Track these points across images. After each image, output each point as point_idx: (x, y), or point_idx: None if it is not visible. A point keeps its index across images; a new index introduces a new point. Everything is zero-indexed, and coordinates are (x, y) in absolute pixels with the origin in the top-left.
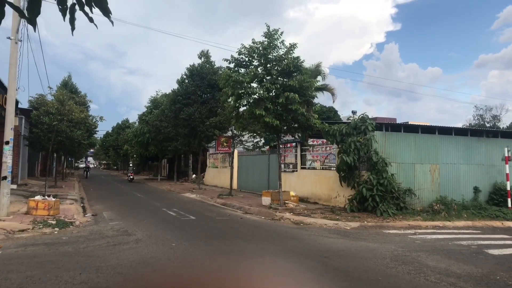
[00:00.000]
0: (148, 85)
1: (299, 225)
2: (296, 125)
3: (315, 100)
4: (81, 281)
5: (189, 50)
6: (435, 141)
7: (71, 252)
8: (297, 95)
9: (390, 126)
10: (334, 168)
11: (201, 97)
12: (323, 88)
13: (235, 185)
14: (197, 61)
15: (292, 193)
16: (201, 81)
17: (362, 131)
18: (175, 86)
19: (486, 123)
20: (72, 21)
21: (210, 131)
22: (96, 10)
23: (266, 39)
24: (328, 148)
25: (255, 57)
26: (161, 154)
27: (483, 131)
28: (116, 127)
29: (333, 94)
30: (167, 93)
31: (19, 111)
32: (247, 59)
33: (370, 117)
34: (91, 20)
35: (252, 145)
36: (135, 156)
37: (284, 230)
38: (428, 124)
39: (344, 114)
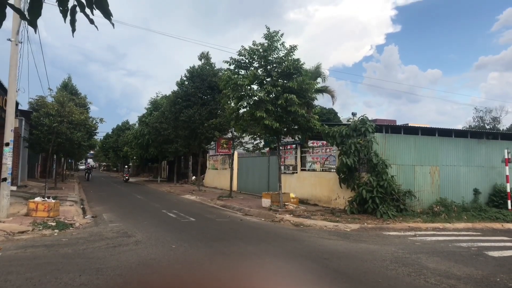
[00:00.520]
0: (148, 87)
1: (299, 227)
2: (296, 127)
3: (315, 102)
4: (81, 283)
5: (189, 51)
6: (435, 143)
7: (71, 253)
8: (295, 97)
9: (390, 128)
10: (334, 170)
11: (201, 99)
12: (323, 90)
13: (235, 187)
14: (197, 63)
15: (292, 195)
16: (201, 83)
17: (362, 133)
18: (175, 87)
19: (486, 125)
20: (72, 22)
21: (210, 132)
22: (96, 12)
23: (266, 41)
24: (328, 150)
25: (255, 58)
26: (161, 156)
27: (483, 133)
28: (116, 129)
29: (333, 96)
30: (167, 94)
31: (19, 113)
32: (247, 60)
33: (370, 119)
34: (91, 21)
35: (252, 146)
36: (135, 157)
37: (284, 232)
38: (428, 126)
39: (344, 116)
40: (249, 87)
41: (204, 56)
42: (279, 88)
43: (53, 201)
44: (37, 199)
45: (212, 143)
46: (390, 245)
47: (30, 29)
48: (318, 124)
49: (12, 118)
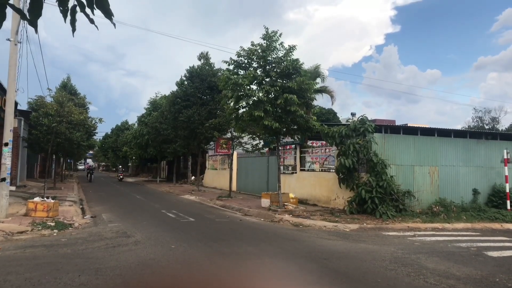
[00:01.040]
0: (147, 87)
1: (298, 227)
2: (295, 127)
3: (314, 102)
4: (80, 283)
5: (189, 52)
6: (434, 143)
7: (70, 254)
8: (295, 97)
9: (390, 128)
10: (333, 170)
11: (200, 99)
12: (322, 90)
13: (234, 187)
14: (197, 63)
15: (291, 195)
16: (201, 83)
17: (361, 133)
18: (175, 88)
19: (485, 125)
20: (73, 22)
21: (209, 132)
22: (96, 12)
23: (265, 41)
24: (327, 150)
25: (254, 59)
26: (160, 156)
27: (482, 133)
28: (115, 129)
29: (332, 96)
30: (167, 95)
31: (18, 113)
32: (246, 61)
33: (369, 119)
34: (92, 21)
35: (251, 147)
36: (134, 158)
37: (283, 232)
38: (427, 126)
39: (343, 116)
40: (248, 87)
41: (204, 56)
42: (278, 88)
43: (52, 201)
44: (36, 199)
45: (212, 143)
46: (389, 245)
47: (29, 28)
48: (318, 124)
49: (11, 118)
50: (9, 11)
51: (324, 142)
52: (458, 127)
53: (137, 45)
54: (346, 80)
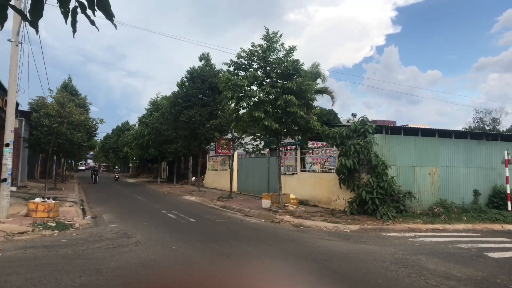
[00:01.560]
0: (148, 88)
1: (299, 228)
2: (296, 128)
3: (315, 103)
4: (81, 283)
5: (189, 52)
6: (435, 144)
7: (71, 254)
8: (294, 98)
9: (390, 129)
10: (334, 171)
11: (201, 100)
12: (323, 91)
13: (235, 188)
14: (198, 64)
15: (292, 196)
16: (202, 84)
17: (362, 134)
18: (175, 88)
19: (486, 126)
20: (73, 23)
21: (210, 133)
22: (96, 13)
23: (265, 42)
24: (328, 151)
25: (255, 60)
26: (161, 157)
27: (483, 134)
28: (116, 130)
29: (332, 97)
30: (167, 95)
31: (19, 113)
32: (246, 62)
33: (370, 120)
34: (92, 22)
35: (252, 147)
36: (135, 158)
37: (284, 232)
38: (428, 127)
39: (344, 117)
40: (248, 88)
41: (204, 57)
42: (278, 89)
43: (53, 201)
44: (37, 199)
45: (212, 144)
46: (390, 246)
47: (30, 29)
48: (318, 125)
49: (12, 119)
50: (10, 12)
51: (324, 143)
52: (459, 128)
53: (138, 45)
54: (347, 81)
